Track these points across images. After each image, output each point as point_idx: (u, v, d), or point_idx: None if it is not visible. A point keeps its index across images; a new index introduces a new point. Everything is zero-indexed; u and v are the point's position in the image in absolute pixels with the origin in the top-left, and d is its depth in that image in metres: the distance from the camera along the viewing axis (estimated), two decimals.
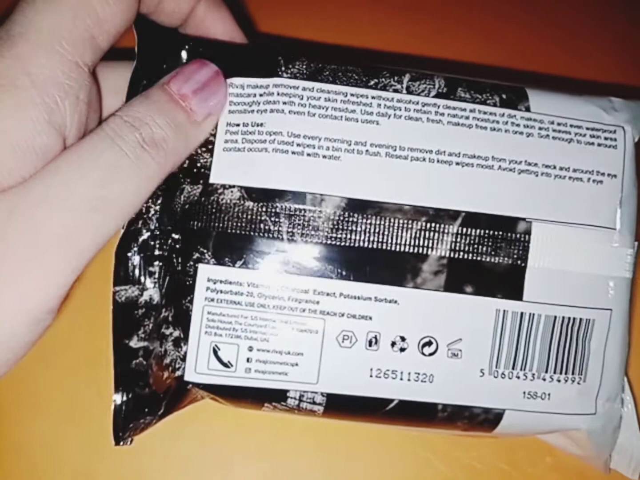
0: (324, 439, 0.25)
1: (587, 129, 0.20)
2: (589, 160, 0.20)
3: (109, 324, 0.20)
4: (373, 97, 0.19)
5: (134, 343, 0.20)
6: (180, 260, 0.19)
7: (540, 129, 0.20)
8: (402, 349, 0.19)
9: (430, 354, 0.19)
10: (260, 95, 0.19)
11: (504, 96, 0.20)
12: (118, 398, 0.19)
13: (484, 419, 0.20)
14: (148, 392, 0.20)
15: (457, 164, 0.19)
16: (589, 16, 0.30)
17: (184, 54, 0.20)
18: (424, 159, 0.19)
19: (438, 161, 0.19)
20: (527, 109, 0.20)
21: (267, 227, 0.19)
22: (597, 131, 0.20)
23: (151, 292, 0.20)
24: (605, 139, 0.20)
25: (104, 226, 0.16)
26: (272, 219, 0.19)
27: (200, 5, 0.20)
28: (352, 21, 0.29)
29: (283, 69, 0.19)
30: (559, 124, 0.20)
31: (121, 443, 0.20)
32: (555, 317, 0.20)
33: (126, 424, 0.20)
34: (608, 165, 0.20)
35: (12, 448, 0.25)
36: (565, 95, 0.21)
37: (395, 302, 0.19)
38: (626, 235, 0.20)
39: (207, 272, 0.19)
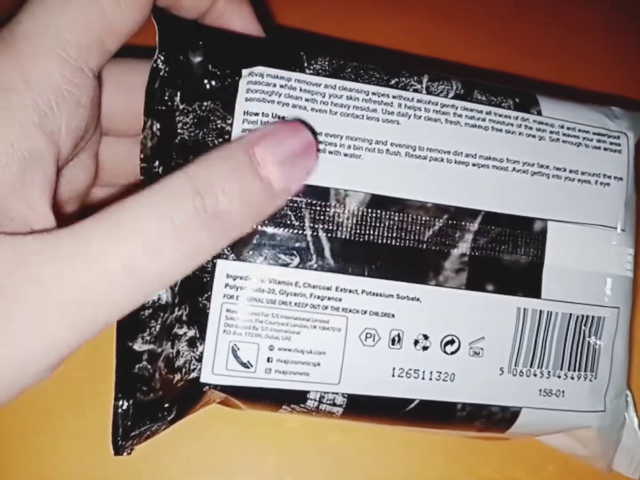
0: (328, 440, 0.24)
1: (594, 133, 0.21)
2: (597, 164, 0.21)
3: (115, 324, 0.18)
4: (394, 97, 0.20)
5: (138, 346, 0.19)
6: None
7: (551, 132, 0.21)
8: (425, 348, 0.19)
9: (452, 353, 0.19)
10: (281, 86, 0.19)
11: (517, 99, 0.21)
12: (119, 405, 0.18)
13: (501, 418, 0.20)
14: (153, 397, 0.19)
15: (474, 164, 0.20)
16: (590, 24, 0.31)
17: (202, 46, 0.19)
18: (442, 160, 0.20)
19: (456, 162, 0.20)
20: (539, 113, 0.21)
21: (289, 222, 0.18)
22: (603, 136, 0.21)
23: (160, 291, 0.19)
24: (611, 143, 0.21)
25: (124, 301, 0.15)
26: (295, 213, 0.18)
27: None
28: (355, 18, 0.29)
29: (305, 64, 0.19)
30: (568, 128, 0.21)
31: (121, 452, 0.18)
32: (571, 314, 0.20)
33: (127, 433, 0.18)
34: (614, 169, 0.21)
35: (12, 451, 0.24)
36: (571, 101, 0.22)
37: (418, 299, 0.19)
38: (629, 235, 0.21)
39: (226, 268, 0.18)
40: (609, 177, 0.21)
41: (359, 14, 0.29)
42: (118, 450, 0.18)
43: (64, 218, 0.16)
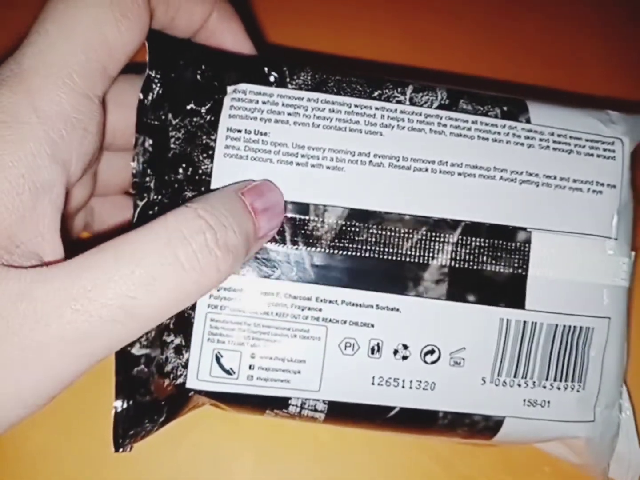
0: (324, 444, 0.25)
1: (587, 140, 0.20)
2: (589, 171, 0.20)
3: None
4: (377, 108, 0.20)
5: (136, 350, 0.20)
6: None
7: (541, 140, 0.20)
8: (405, 357, 0.19)
9: (433, 362, 0.19)
10: (264, 103, 0.19)
11: (505, 108, 0.20)
12: (119, 405, 0.19)
13: (484, 427, 0.20)
14: (149, 399, 0.20)
15: (459, 174, 0.20)
16: (587, 28, 0.30)
17: (188, 63, 0.20)
18: (427, 170, 0.20)
19: (440, 172, 0.20)
20: (528, 121, 0.20)
21: None
22: (597, 143, 0.21)
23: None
24: (605, 150, 0.20)
25: (122, 336, 0.15)
26: None
27: (211, 18, 0.20)
28: (350, 32, 0.29)
29: (288, 79, 0.20)
30: (559, 136, 0.20)
31: (121, 450, 0.19)
32: (557, 325, 0.20)
33: (126, 431, 0.19)
34: (608, 176, 0.20)
35: (11, 454, 0.25)
36: (564, 107, 0.21)
37: (397, 310, 0.19)
38: (623, 244, 0.21)
39: None
40: (602, 184, 0.20)
41: (353, 29, 0.29)
42: (118, 447, 0.19)
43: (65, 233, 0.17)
